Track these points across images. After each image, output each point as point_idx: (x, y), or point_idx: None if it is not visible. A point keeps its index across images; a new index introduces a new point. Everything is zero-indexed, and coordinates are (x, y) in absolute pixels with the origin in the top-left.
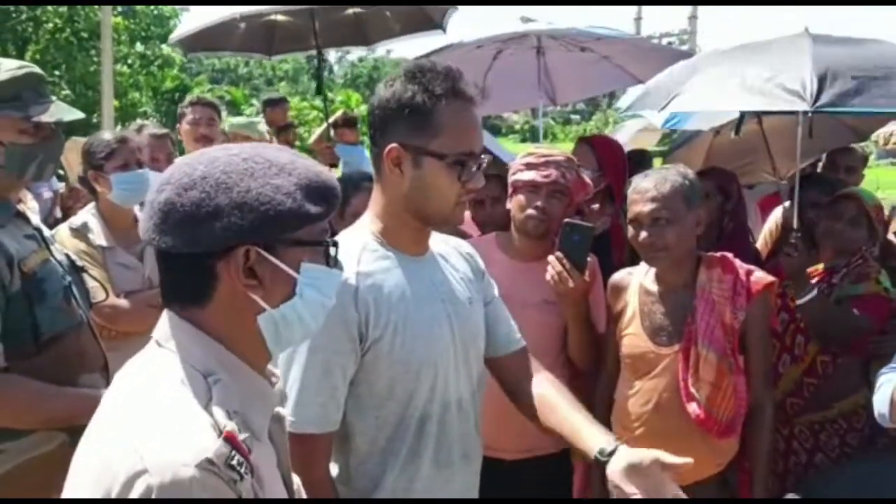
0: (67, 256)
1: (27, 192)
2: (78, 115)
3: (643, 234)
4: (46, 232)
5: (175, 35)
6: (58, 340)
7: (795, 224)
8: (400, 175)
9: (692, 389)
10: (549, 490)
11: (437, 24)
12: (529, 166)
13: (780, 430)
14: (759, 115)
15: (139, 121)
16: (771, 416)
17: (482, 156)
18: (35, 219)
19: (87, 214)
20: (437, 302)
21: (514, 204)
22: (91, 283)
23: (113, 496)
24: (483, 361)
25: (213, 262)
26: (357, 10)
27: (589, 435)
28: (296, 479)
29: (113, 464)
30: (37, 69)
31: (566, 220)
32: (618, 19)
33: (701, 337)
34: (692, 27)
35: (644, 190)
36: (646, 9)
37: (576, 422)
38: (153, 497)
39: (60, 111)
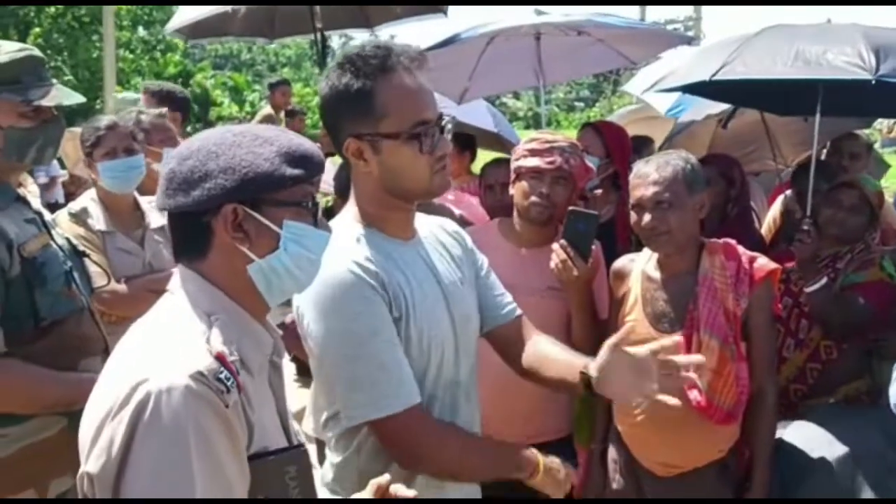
0: (69, 241)
1: (28, 177)
2: (78, 98)
3: (646, 218)
4: (48, 216)
5: (173, 24)
6: (58, 325)
7: (809, 211)
8: (366, 164)
9: (693, 376)
10: None
11: (439, 7)
12: (533, 152)
13: (783, 417)
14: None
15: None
16: (773, 403)
17: (443, 118)
18: (36, 203)
19: (86, 199)
20: (433, 283)
21: (517, 190)
22: (93, 269)
23: (118, 401)
24: (476, 341)
25: (208, 220)
26: None
27: (582, 361)
28: (294, 425)
29: (121, 377)
30: (37, 52)
31: (570, 208)
32: (623, 4)
33: (703, 324)
34: (697, 13)
35: (646, 174)
36: None
37: (571, 357)
38: (151, 401)
39: (61, 95)
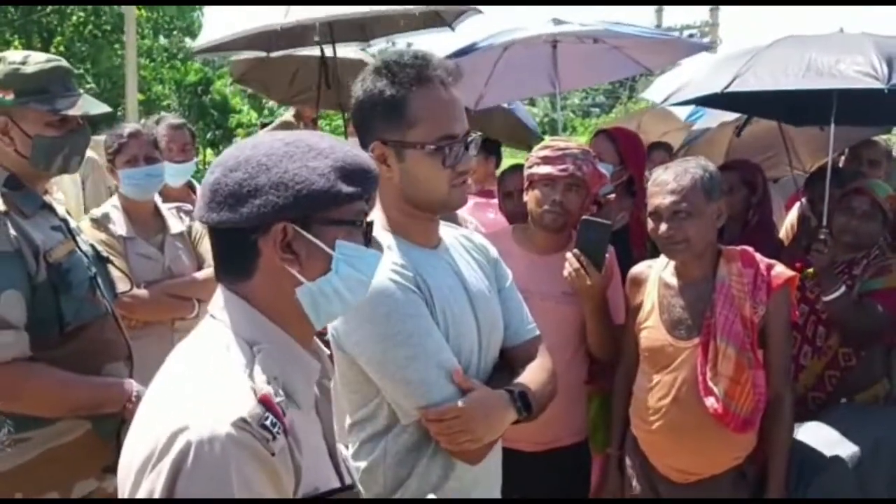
0: (93, 247)
1: (53, 184)
2: (105, 108)
3: (663, 227)
4: (72, 223)
5: (199, 46)
6: (82, 330)
7: (824, 220)
8: (389, 170)
9: (710, 383)
10: (567, 482)
11: (447, 24)
12: (545, 160)
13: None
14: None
15: (162, 113)
16: (790, 411)
17: (469, 135)
18: (61, 210)
19: (108, 206)
20: (461, 291)
21: (531, 198)
22: (115, 274)
23: (157, 451)
24: (498, 349)
25: (256, 238)
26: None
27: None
28: (341, 448)
29: (160, 423)
30: (64, 63)
31: (584, 217)
32: (639, 10)
33: (720, 331)
34: (713, 19)
35: (664, 182)
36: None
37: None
38: (192, 451)
39: (87, 105)
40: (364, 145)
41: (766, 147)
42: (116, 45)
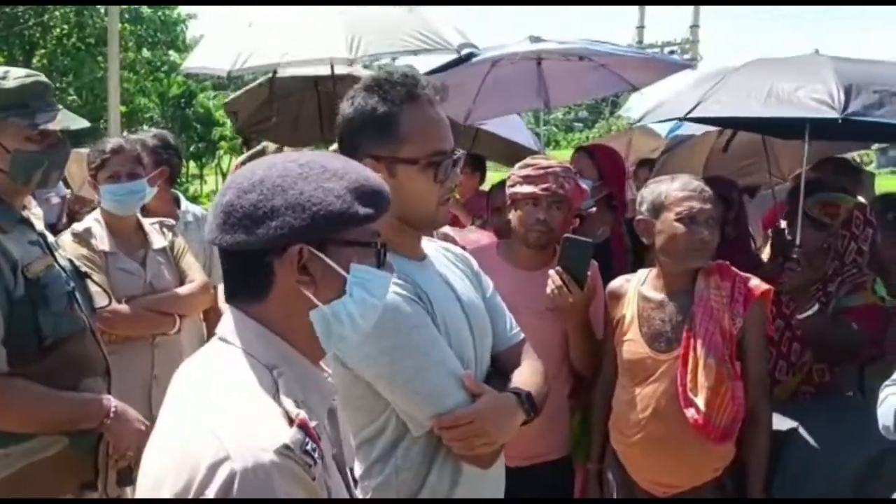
0: (71, 262)
1: (31, 199)
2: (84, 123)
3: (704, 233)
4: (50, 238)
5: (194, 66)
6: (60, 345)
7: (798, 240)
8: None
9: (690, 395)
10: (552, 496)
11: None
12: (527, 179)
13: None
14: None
15: (145, 127)
16: (767, 423)
17: (455, 151)
18: (39, 225)
19: (90, 220)
20: (454, 301)
21: (515, 217)
22: (94, 289)
23: (197, 481)
24: (489, 357)
25: (270, 260)
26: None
27: None
28: (351, 467)
29: (194, 449)
30: (44, 78)
31: (566, 235)
32: (620, 27)
33: (700, 343)
34: (694, 36)
35: (697, 189)
36: (648, 17)
37: None
38: (236, 481)
39: (67, 119)
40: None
41: (747, 154)
42: (99, 58)
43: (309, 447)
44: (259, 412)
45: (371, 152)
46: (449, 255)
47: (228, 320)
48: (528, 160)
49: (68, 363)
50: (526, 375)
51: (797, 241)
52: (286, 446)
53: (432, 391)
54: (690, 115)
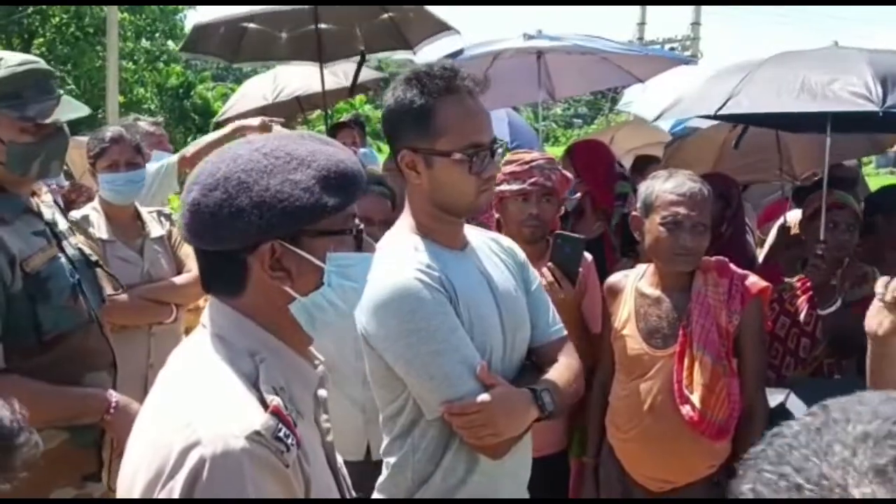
0: (81, 251)
1: (42, 186)
2: (83, 111)
3: (686, 238)
4: (62, 226)
5: (193, 44)
6: (63, 339)
7: (822, 235)
8: (418, 176)
9: (686, 391)
10: (546, 491)
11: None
12: (514, 175)
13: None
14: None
15: (138, 115)
16: (763, 420)
17: (495, 142)
18: (48, 213)
19: (88, 208)
20: (486, 291)
21: (506, 215)
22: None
23: (168, 467)
24: (525, 349)
25: (244, 256)
26: (392, 14)
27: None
28: (339, 457)
29: (168, 437)
30: (42, 64)
31: (557, 232)
32: (621, 24)
33: (696, 340)
34: (695, 33)
35: (687, 194)
36: (649, 14)
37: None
38: (206, 467)
39: (61, 111)
40: (394, 152)
41: (760, 149)
42: (98, 48)
43: (282, 434)
44: (232, 399)
45: (409, 144)
46: (493, 246)
47: (211, 309)
48: (510, 156)
49: (72, 357)
50: (559, 371)
51: (821, 238)
52: (257, 432)
53: (444, 377)
54: (721, 112)
